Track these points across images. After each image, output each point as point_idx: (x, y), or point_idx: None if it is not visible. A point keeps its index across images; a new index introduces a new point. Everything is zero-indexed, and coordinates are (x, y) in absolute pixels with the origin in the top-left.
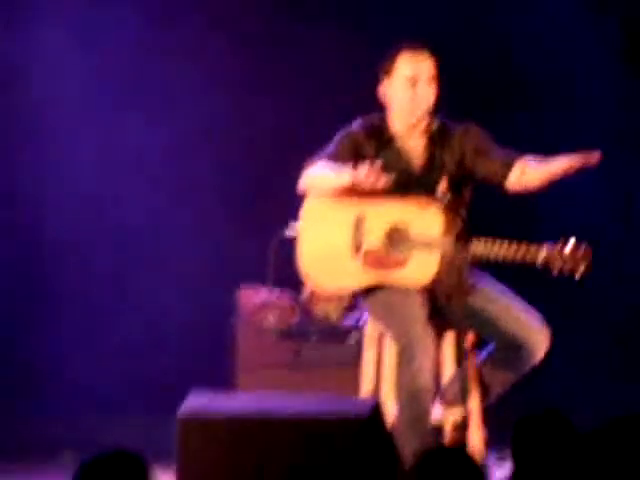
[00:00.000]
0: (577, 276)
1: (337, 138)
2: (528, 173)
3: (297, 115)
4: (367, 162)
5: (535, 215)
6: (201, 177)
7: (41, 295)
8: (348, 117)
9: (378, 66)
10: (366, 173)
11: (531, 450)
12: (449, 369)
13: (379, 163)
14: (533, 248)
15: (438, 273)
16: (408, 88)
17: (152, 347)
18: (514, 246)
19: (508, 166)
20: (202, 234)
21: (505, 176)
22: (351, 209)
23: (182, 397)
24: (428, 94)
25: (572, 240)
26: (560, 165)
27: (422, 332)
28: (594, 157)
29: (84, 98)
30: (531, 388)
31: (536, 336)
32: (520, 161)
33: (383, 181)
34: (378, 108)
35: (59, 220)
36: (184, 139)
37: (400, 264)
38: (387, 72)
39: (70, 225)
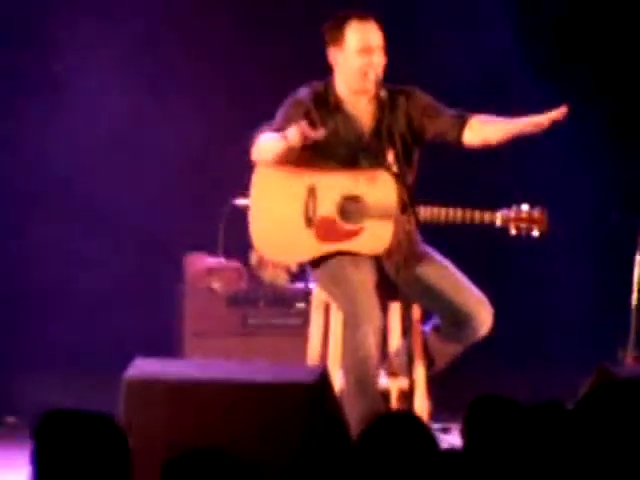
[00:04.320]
0: (536, 233)
1: (285, 106)
2: (488, 127)
3: (252, 80)
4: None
5: (492, 182)
6: (154, 145)
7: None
8: (298, 82)
9: (324, 32)
10: (296, 131)
11: (483, 432)
12: (395, 339)
13: (304, 122)
14: (487, 215)
15: (391, 242)
16: (362, 57)
17: (101, 312)
18: (468, 213)
19: (462, 121)
20: (153, 202)
21: (461, 131)
22: (303, 180)
23: (129, 362)
24: (380, 62)
25: (525, 205)
26: (524, 123)
27: (368, 301)
28: (560, 114)
29: None
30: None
31: (482, 311)
32: (475, 117)
33: (318, 134)
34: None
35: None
36: (136, 105)
37: (353, 234)
38: (336, 40)
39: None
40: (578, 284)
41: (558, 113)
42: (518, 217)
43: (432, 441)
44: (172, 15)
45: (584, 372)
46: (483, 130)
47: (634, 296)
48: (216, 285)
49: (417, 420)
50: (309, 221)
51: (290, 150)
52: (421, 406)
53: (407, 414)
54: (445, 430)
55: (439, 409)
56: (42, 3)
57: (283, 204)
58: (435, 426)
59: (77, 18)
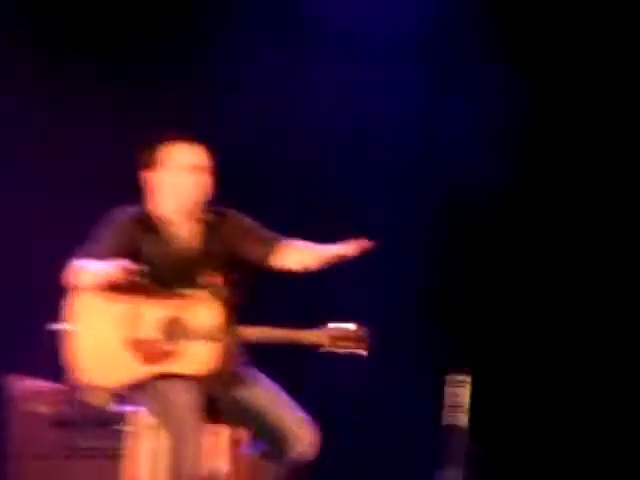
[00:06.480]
0: (364, 354)
1: (105, 230)
2: (296, 254)
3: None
4: (119, 261)
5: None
6: None
7: None
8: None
9: (145, 153)
10: (117, 270)
11: None
12: (221, 461)
13: (125, 260)
14: (313, 336)
15: (214, 363)
16: (188, 177)
17: None
18: (292, 334)
19: (273, 244)
20: None
21: (268, 254)
22: (125, 303)
23: None
24: (207, 183)
25: (351, 325)
26: (334, 251)
27: (192, 423)
28: (368, 245)
29: None
30: None
31: (302, 431)
32: (287, 242)
33: (136, 273)
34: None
35: None
36: None
37: (176, 356)
38: (159, 161)
39: None
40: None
41: (365, 245)
42: (345, 336)
43: None
44: None
45: None
46: (290, 257)
47: (445, 415)
48: (42, 408)
49: None
50: (131, 344)
51: (112, 283)
52: None
53: None
54: None
55: None
56: None
57: (104, 327)
58: None
59: None
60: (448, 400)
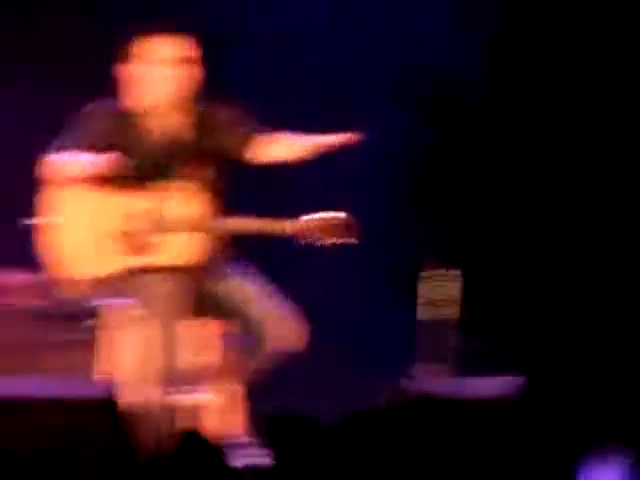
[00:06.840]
0: (326, 242)
1: (78, 122)
2: (277, 146)
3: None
4: (106, 154)
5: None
6: None
7: None
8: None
9: (123, 47)
10: (106, 161)
11: (283, 449)
12: (207, 354)
13: (114, 153)
14: (288, 224)
15: (197, 255)
16: (167, 70)
17: None
18: (267, 222)
19: (251, 137)
20: None
21: (245, 147)
22: (107, 196)
23: None
24: (192, 75)
25: (329, 215)
26: (321, 141)
27: (174, 315)
28: (354, 138)
29: None
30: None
31: (282, 326)
32: (271, 135)
33: (121, 167)
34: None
35: None
36: None
37: (159, 248)
38: (139, 54)
39: None
40: (369, 298)
41: (350, 138)
42: (330, 225)
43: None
44: None
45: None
46: (274, 149)
47: (419, 310)
48: (17, 301)
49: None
50: (114, 236)
51: (98, 175)
52: (231, 421)
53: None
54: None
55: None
56: None
57: (87, 220)
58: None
59: None
60: (425, 294)
